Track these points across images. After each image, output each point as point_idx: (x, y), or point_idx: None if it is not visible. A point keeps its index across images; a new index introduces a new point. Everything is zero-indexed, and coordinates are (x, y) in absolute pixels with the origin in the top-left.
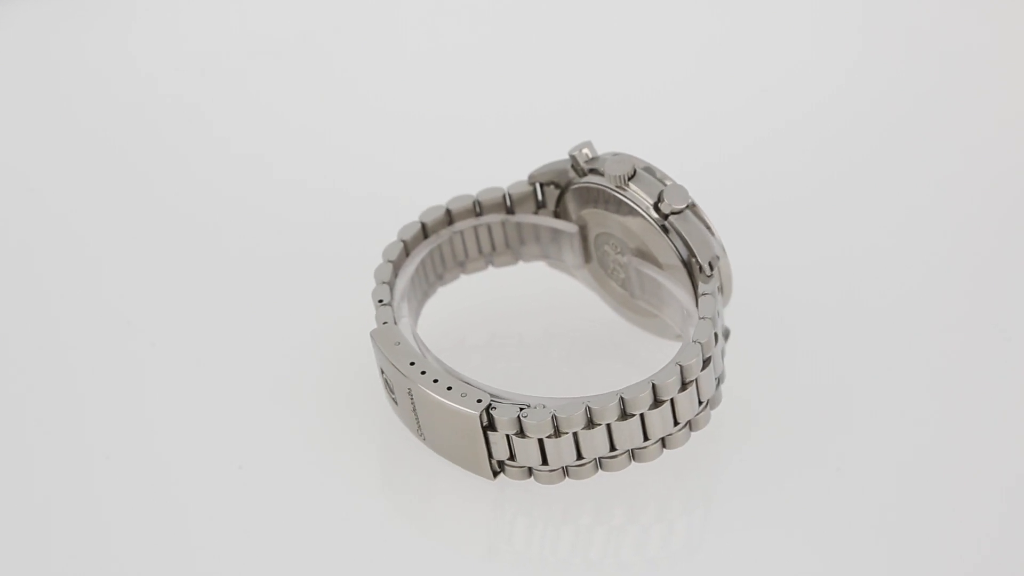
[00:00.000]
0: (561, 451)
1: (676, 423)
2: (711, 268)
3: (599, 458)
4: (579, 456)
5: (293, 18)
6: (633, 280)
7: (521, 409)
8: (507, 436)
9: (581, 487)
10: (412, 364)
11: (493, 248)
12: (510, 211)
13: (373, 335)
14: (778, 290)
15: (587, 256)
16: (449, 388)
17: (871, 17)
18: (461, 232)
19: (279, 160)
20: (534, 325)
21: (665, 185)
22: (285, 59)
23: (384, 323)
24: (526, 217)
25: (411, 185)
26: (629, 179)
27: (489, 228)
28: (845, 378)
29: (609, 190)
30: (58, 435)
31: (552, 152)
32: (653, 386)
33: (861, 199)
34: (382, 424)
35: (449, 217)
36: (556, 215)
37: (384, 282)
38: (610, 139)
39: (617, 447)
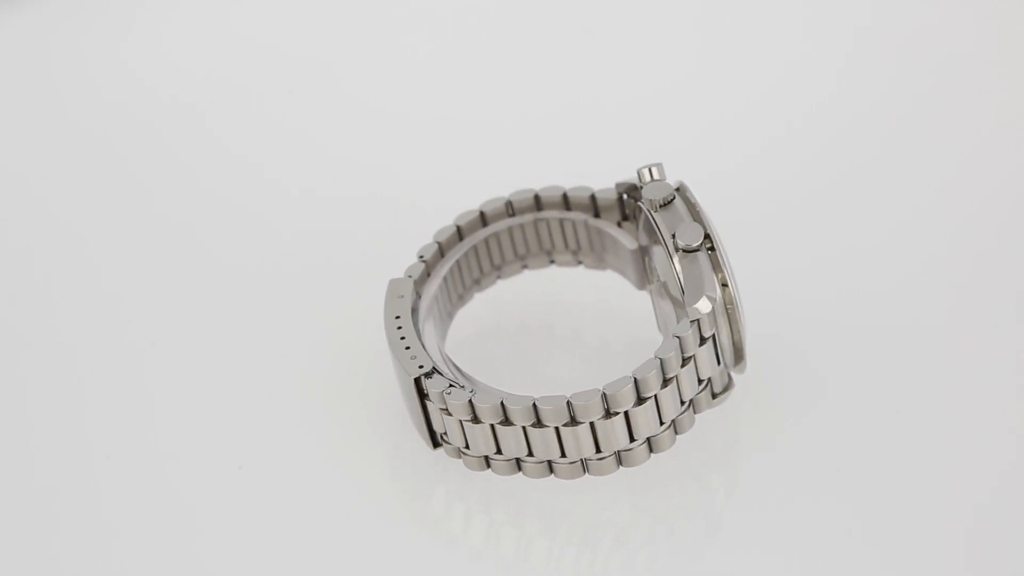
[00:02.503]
0: (476, 437)
1: (632, 439)
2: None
3: (550, 461)
4: (498, 449)
5: (295, 27)
6: (655, 309)
7: (451, 385)
8: (440, 410)
9: (586, 501)
10: (397, 318)
11: (566, 246)
12: (596, 214)
13: (390, 282)
14: (779, 291)
15: (647, 278)
16: (407, 348)
17: (871, 21)
18: (547, 221)
19: (280, 162)
20: (563, 327)
21: (683, 221)
22: (289, 68)
23: (409, 276)
24: (600, 223)
25: (412, 188)
26: (661, 206)
27: (574, 225)
28: (847, 378)
29: (649, 215)
30: (58, 435)
31: (552, 154)
32: (604, 396)
33: (861, 200)
34: (387, 424)
35: (538, 203)
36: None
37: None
38: (617, 142)
39: (534, 451)
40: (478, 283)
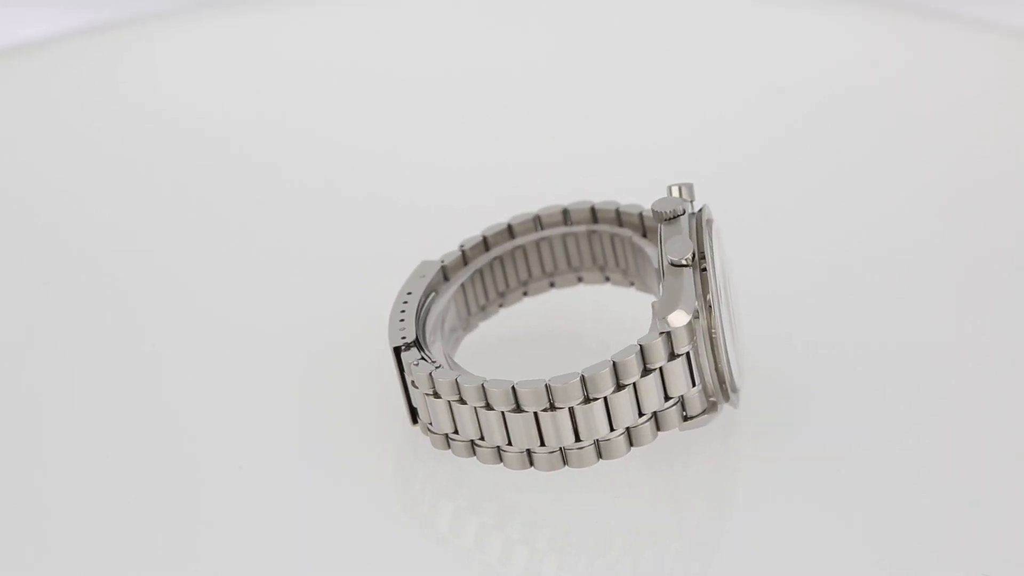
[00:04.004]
0: (438, 413)
1: (578, 438)
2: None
3: (498, 447)
4: (455, 428)
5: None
6: None
7: (422, 359)
8: (411, 382)
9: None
10: (409, 294)
11: (616, 263)
12: (644, 233)
13: (421, 263)
14: (778, 290)
15: None
16: (401, 320)
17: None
18: (599, 235)
19: (299, 161)
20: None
21: (679, 235)
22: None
23: (441, 260)
24: (643, 241)
25: (413, 188)
26: (667, 220)
27: (622, 241)
28: (849, 380)
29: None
30: (57, 435)
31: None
32: (583, 379)
33: (861, 201)
34: (388, 424)
35: (594, 215)
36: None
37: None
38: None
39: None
40: (525, 284)
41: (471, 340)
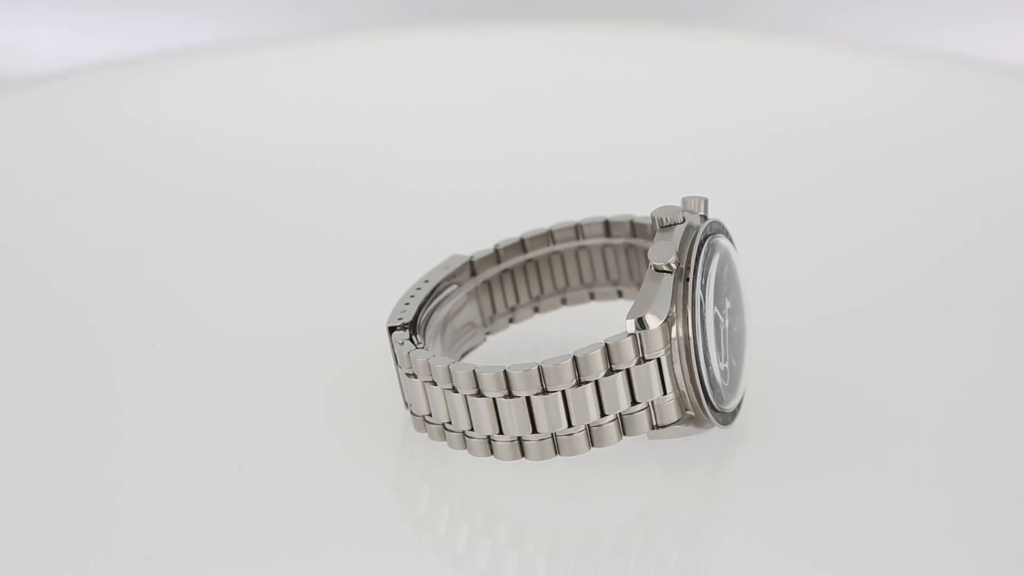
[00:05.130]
0: (415, 392)
1: (535, 430)
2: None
3: (464, 432)
4: (429, 410)
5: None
6: None
7: (411, 339)
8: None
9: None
10: (426, 281)
11: (631, 277)
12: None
13: (451, 256)
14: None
15: None
16: (407, 304)
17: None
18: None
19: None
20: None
21: (666, 241)
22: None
23: (471, 256)
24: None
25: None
26: (662, 227)
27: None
28: (851, 380)
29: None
30: (57, 435)
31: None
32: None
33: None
34: (388, 425)
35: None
36: None
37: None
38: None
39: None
40: (563, 292)
41: (494, 344)
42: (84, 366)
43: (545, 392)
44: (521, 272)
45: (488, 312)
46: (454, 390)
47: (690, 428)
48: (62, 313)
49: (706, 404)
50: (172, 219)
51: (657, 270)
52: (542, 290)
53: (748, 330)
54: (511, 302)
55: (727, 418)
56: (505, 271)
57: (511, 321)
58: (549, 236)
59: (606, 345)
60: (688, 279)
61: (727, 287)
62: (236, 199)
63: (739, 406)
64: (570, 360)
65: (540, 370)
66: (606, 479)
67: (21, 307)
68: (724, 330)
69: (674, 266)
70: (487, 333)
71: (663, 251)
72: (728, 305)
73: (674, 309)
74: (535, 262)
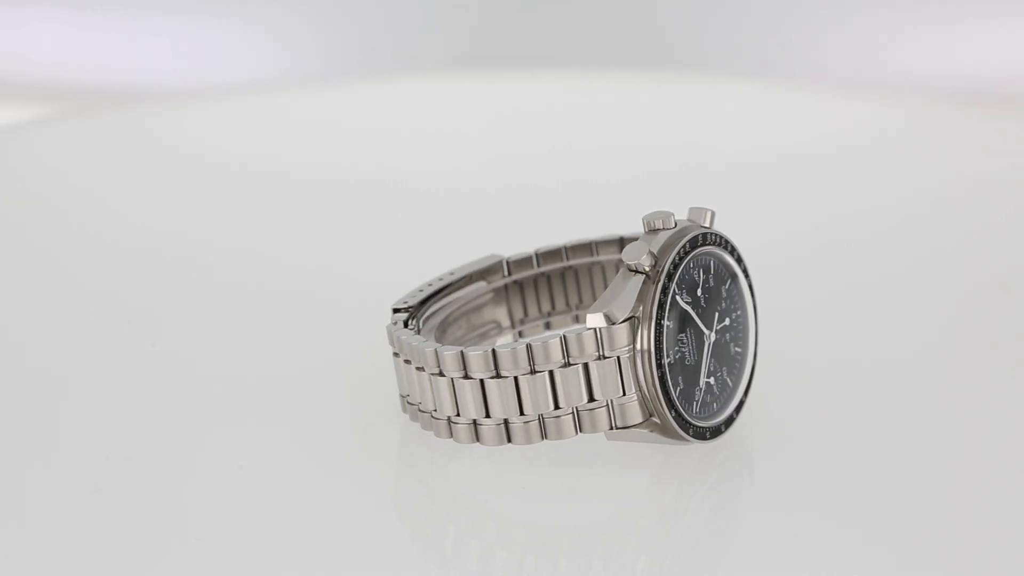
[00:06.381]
0: (402, 376)
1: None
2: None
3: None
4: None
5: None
6: None
7: (404, 324)
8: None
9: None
10: (451, 273)
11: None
12: None
13: (488, 255)
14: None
15: None
16: (420, 291)
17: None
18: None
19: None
20: None
21: (644, 242)
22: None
23: (506, 257)
24: None
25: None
26: (648, 231)
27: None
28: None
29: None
30: (56, 435)
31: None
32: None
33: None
34: (389, 426)
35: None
36: None
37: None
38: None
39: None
40: (576, 308)
41: None
42: (84, 366)
43: (499, 377)
44: (559, 278)
45: (519, 314)
46: (422, 369)
47: (655, 435)
48: (62, 313)
49: (669, 411)
50: (172, 219)
51: (629, 269)
52: (580, 299)
53: (750, 355)
54: (546, 307)
55: (704, 433)
56: (541, 275)
57: (547, 327)
58: (591, 247)
59: (564, 336)
60: (660, 282)
61: (727, 303)
62: (236, 200)
63: (727, 426)
64: (524, 347)
65: (494, 352)
66: (600, 480)
67: (23, 309)
68: (709, 344)
69: (646, 267)
70: (519, 334)
71: (635, 251)
72: (726, 323)
73: (641, 310)
74: (574, 270)
